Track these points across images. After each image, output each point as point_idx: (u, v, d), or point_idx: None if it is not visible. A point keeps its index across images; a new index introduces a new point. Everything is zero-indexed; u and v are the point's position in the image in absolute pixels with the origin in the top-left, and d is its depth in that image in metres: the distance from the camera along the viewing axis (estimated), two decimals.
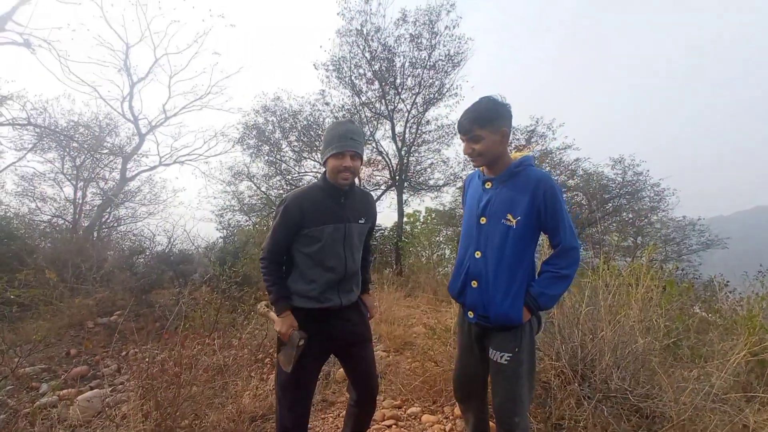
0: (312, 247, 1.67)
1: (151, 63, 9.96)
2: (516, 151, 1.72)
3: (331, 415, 2.63)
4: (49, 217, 8.64)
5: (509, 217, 1.54)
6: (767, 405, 1.90)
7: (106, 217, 9.87)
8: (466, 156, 1.64)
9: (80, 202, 9.31)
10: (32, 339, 3.60)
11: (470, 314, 1.66)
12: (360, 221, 1.76)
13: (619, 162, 11.04)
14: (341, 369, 3.12)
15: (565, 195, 10.98)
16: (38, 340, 3.44)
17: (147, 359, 2.53)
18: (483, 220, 1.62)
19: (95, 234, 9.06)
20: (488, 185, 1.63)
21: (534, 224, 1.54)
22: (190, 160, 11.16)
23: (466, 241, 1.70)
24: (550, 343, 2.37)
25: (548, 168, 10.41)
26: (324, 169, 1.75)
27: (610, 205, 11.55)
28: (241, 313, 4.70)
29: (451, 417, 2.47)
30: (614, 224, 12.37)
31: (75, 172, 9.09)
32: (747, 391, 2.11)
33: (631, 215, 12.25)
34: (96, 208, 9.36)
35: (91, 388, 3.12)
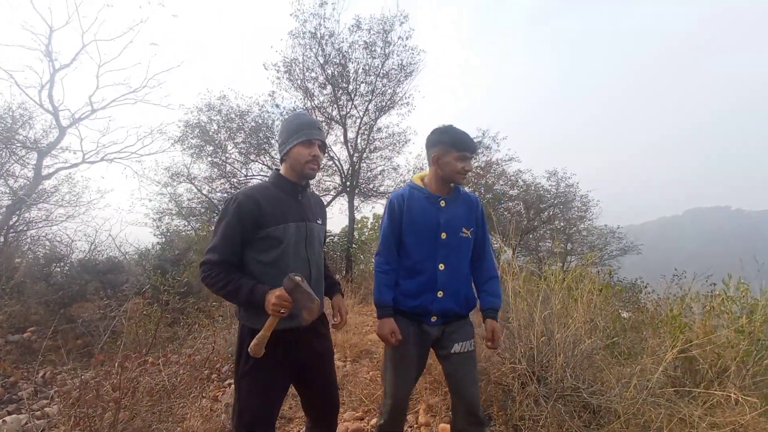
0: (271, 252, 1.45)
1: (78, 49, 8.96)
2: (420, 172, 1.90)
3: None
4: None
5: (464, 230, 1.73)
6: (698, 399, 2.13)
7: (15, 219, 8.63)
8: (458, 172, 1.68)
9: None
10: None
11: (433, 319, 1.72)
12: (318, 222, 1.62)
13: (554, 174, 12.00)
14: None
15: (506, 204, 11.70)
16: None
17: (77, 382, 2.23)
18: (444, 236, 1.71)
19: (1, 239, 7.88)
20: (443, 203, 1.74)
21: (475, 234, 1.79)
22: (120, 158, 10.16)
23: (424, 256, 1.72)
24: (512, 348, 2.47)
25: (492, 178, 10.98)
26: (276, 169, 1.62)
27: (545, 214, 12.49)
28: (183, 326, 4.34)
29: (415, 426, 2.47)
30: (548, 232, 13.40)
31: None
32: (677, 385, 2.35)
33: (563, 223, 13.34)
34: (4, 209, 8.15)
35: (9, 413, 2.69)
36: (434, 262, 1.70)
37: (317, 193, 10.44)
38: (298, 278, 1.32)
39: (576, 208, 12.91)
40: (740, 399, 1.85)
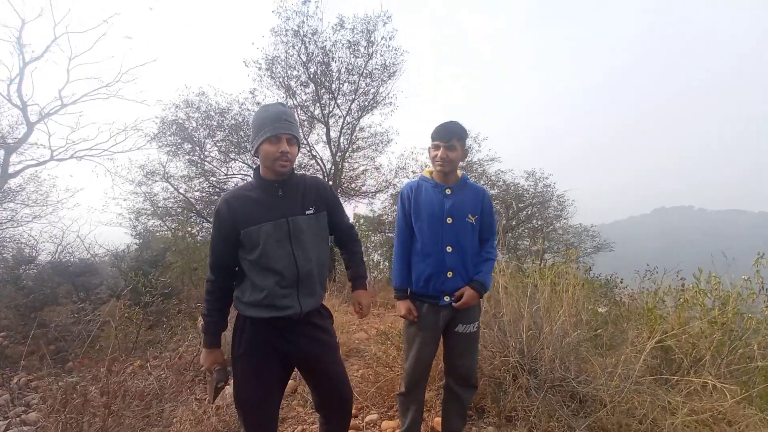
0: (254, 252, 1.47)
1: (50, 41, 8.56)
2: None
3: None
4: None
5: (470, 216, 1.87)
6: (677, 387, 2.25)
7: None
8: (436, 159, 1.85)
9: None
10: None
11: (446, 299, 1.86)
12: (308, 212, 1.55)
13: (532, 175, 12.32)
14: (290, 381, 2.98)
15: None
16: None
17: (61, 387, 2.14)
18: (449, 220, 1.86)
19: None
20: (448, 192, 1.89)
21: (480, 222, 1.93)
22: (90, 156, 9.78)
23: (432, 240, 1.87)
24: (503, 342, 2.53)
25: (473, 178, 11.18)
26: (256, 166, 1.58)
27: (524, 213, 12.81)
28: (165, 329, 4.23)
29: None
30: (526, 230, 13.73)
31: None
32: (655, 374, 2.48)
33: (540, 222, 13.70)
34: None
35: None
36: (442, 245, 1.85)
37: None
38: (220, 385, 1.63)
39: (552, 208, 13.29)
40: (718, 386, 1.97)
